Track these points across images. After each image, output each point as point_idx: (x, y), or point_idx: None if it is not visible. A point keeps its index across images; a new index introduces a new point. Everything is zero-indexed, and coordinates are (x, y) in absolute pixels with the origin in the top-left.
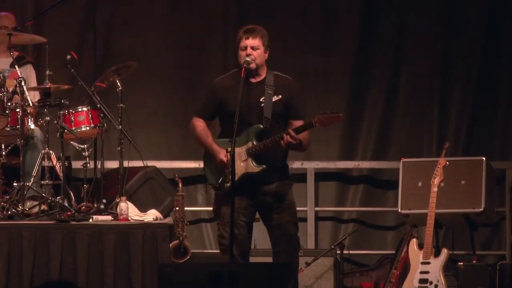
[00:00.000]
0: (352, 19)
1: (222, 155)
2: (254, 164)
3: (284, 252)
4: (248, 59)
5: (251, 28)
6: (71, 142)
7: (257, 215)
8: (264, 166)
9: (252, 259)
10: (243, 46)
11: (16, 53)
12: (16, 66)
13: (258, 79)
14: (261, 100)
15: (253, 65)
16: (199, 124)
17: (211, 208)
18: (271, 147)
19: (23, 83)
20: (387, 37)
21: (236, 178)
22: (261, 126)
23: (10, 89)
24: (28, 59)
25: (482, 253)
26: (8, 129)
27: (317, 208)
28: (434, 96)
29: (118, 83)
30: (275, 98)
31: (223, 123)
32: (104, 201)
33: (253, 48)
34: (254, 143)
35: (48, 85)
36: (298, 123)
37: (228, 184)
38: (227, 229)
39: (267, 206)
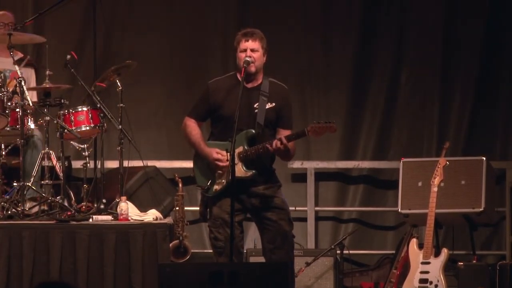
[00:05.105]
0: (352, 19)
1: (215, 154)
2: (245, 168)
3: (280, 248)
4: (248, 59)
5: (250, 31)
6: (71, 142)
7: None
8: (254, 171)
9: (252, 259)
10: (242, 48)
11: (20, 54)
12: (16, 66)
13: (255, 84)
14: (255, 106)
15: (252, 68)
16: (190, 124)
17: None
18: (262, 153)
19: (23, 83)
20: (387, 37)
21: (226, 181)
22: (253, 131)
23: (10, 89)
24: (31, 62)
25: (482, 253)
26: (8, 129)
27: (317, 208)
28: (434, 96)
29: (118, 83)
30: (268, 106)
31: (215, 125)
32: (104, 201)
33: (253, 51)
34: (246, 147)
35: (48, 85)
36: (286, 132)
37: (217, 187)
38: (221, 231)
39: (257, 208)
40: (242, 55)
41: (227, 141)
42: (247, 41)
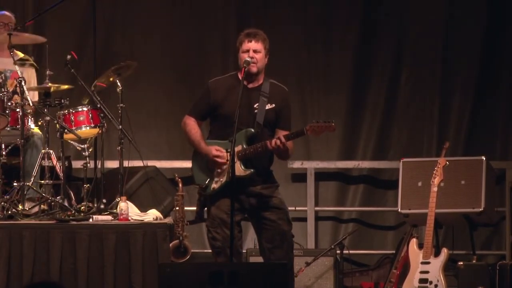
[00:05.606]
0: (352, 19)
1: (214, 151)
2: (243, 167)
3: (279, 248)
4: (248, 59)
5: (253, 32)
6: (71, 142)
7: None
8: (252, 170)
9: (252, 259)
10: (245, 49)
11: (20, 54)
12: (17, 66)
13: (255, 84)
14: (255, 106)
15: (254, 68)
16: (190, 122)
17: None
18: (260, 152)
19: (23, 83)
20: (387, 37)
21: (225, 179)
22: (253, 130)
23: (10, 89)
24: (32, 62)
25: (482, 253)
26: (8, 129)
27: (317, 208)
28: (434, 96)
29: (118, 83)
30: (268, 106)
31: (214, 124)
32: (104, 201)
33: (255, 52)
34: (245, 146)
35: (48, 85)
36: (284, 133)
37: (215, 186)
38: (219, 231)
39: (255, 207)
40: (245, 55)
41: (227, 140)
42: (250, 41)
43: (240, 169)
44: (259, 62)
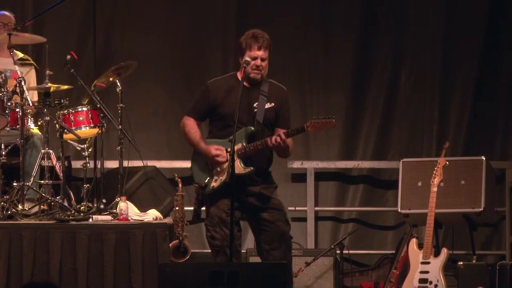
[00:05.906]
0: (352, 19)
1: (213, 150)
2: (243, 165)
3: (277, 249)
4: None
5: (261, 37)
6: (71, 142)
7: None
8: (252, 168)
9: (252, 259)
10: (253, 56)
11: (20, 54)
12: (17, 66)
13: (255, 84)
14: (254, 105)
15: (259, 76)
16: (189, 123)
17: None
18: (260, 149)
19: (23, 83)
20: (387, 37)
21: (224, 177)
22: (253, 128)
23: (10, 89)
24: (32, 62)
25: (482, 253)
26: (8, 129)
27: (317, 208)
28: (434, 96)
29: (118, 83)
30: (268, 105)
31: (214, 124)
32: (104, 201)
33: (263, 60)
34: (244, 144)
35: (48, 85)
36: (284, 132)
37: (214, 184)
38: (218, 230)
39: (253, 207)
40: (252, 61)
41: (226, 139)
42: (260, 49)
43: (239, 167)
44: (264, 70)
